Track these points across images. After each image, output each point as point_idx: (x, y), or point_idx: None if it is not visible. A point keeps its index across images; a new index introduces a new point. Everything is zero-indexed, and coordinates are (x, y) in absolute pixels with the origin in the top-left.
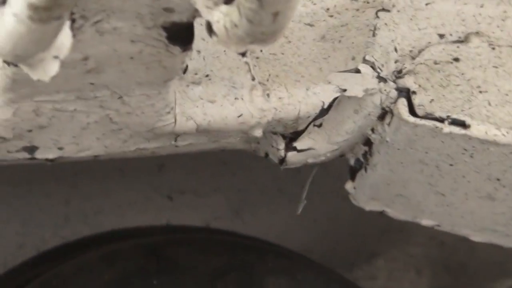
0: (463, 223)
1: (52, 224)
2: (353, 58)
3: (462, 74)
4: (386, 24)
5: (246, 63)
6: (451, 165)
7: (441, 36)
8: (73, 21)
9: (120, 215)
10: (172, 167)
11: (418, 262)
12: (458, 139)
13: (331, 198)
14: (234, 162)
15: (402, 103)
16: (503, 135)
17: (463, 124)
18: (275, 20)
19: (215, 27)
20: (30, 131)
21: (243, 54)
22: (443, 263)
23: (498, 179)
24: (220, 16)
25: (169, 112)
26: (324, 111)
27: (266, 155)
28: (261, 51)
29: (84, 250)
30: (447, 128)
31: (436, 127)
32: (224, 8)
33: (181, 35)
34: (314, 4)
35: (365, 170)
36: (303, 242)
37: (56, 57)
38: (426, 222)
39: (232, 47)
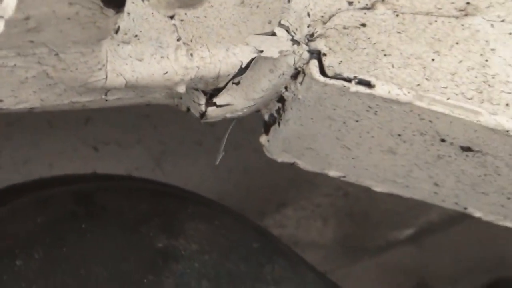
0: (367, 174)
1: None
2: (270, 22)
3: (369, 38)
4: None
5: (174, 25)
6: (356, 121)
7: (350, 3)
8: None
9: (48, 164)
10: (98, 120)
11: (324, 212)
12: (364, 98)
13: (245, 150)
14: (156, 116)
15: (314, 64)
16: (404, 94)
17: (368, 84)
18: None
19: None
20: None
21: (172, 17)
22: (348, 213)
23: (399, 135)
24: None
25: (100, 69)
26: (242, 70)
27: (188, 109)
28: (186, 14)
29: (17, 196)
30: (354, 87)
31: (344, 86)
32: None
33: None
34: None
35: (278, 124)
36: (218, 191)
37: (1, 17)
38: (333, 173)
39: (162, 10)
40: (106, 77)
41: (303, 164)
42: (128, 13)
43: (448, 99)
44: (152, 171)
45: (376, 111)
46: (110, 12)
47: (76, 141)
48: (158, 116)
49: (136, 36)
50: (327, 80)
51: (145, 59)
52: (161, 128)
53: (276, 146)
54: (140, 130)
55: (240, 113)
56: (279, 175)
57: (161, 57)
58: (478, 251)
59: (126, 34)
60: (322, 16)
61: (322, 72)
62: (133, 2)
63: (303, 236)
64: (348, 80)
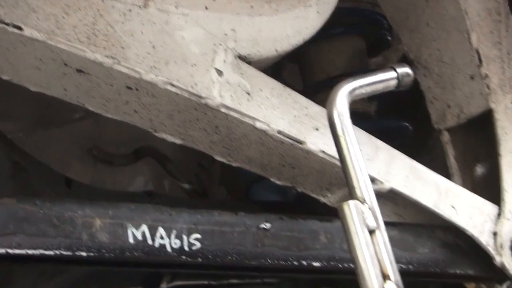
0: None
1: None
2: None
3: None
4: None
5: None
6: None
7: None
8: None
9: None
10: None
11: None
12: (16, 36)
13: None
14: None
15: None
16: (42, 36)
17: (20, 28)
18: None
19: None
20: None
21: None
22: None
23: (41, 59)
24: None
25: None
26: None
27: None
28: None
29: None
30: (11, 29)
31: (4, 28)
32: None
33: None
34: None
35: None
36: None
37: None
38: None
39: None
40: None
41: None
42: None
43: (69, 41)
44: None
45: (24, 44)
46: None
47: None
48: None
49: None
50: None
51: None
52: None
53: None
54: None
55: None
56: None
57: None
58: None
59: None
60: None
61: None
62: None
63: None
64: (6, 23)
